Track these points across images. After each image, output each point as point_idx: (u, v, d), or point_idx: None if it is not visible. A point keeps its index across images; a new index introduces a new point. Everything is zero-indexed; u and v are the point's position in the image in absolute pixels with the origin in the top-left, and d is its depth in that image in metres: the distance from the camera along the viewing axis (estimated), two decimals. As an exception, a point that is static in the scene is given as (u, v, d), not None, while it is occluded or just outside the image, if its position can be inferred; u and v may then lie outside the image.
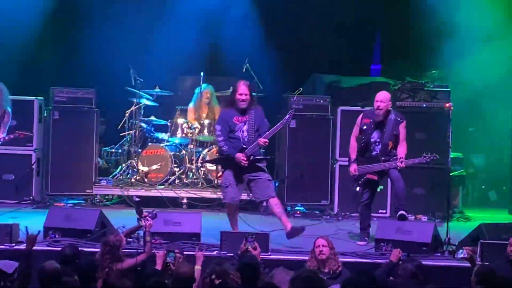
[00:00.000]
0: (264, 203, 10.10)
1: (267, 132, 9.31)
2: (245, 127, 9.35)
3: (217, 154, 10.29)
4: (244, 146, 9.30)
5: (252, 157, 9.28)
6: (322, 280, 6.57)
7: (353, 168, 9.49)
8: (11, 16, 12.99)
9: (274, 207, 9.36)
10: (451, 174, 11.45)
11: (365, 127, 9.53)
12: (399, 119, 9.54)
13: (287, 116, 9.41)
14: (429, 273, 7.48)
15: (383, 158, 9.44)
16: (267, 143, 9.32)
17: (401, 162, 9.29)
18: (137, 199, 8.90)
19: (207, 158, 12.05)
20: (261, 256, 7.92)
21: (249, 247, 7.87)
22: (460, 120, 11.82)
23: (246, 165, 9.24)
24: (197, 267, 7.57)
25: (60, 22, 13.39)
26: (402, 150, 9.43)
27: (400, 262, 7.69)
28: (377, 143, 9.50)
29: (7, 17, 12.93)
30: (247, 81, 9.59)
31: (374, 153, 9.49)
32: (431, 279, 7.33)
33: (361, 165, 9.50)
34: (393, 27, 13.21)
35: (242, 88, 9.39)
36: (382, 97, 9.51)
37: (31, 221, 9.90)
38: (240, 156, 9.24)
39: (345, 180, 10.96)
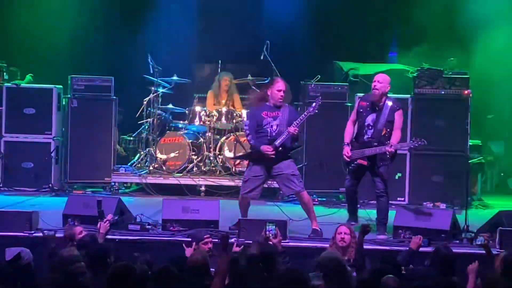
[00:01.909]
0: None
1: (294, 122, 9.21)
2: (275, 122, 9.24)
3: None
4: (272, 142, 9.20)
5: (280, 149, 9.23)
6: (345, 265, 6.59)
7: (346, 150, 9.31)
8: (30, 3, 13.10)
9: (301, 203, 9.36)
10: (469, 161, 11.40)
11: (361, 110, 9.39)
12: (395, 106, 9.36)
13: (314, 104, 9.31)
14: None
15: (375, 143, 9.29)
16: (297, 131, 9.18)
17: (390, 146, 9.14)
18: (99, 199, 8.87)
19: (226, 148, 12.09)
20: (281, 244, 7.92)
21: (270, 235, 7.87)
22: (479, 107, 11.77)
23: (273, 156, 9.21)
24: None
25: (78, 10, 13.41)
26: (394, 138, 9.24)
27: (435, 249, 7.50)
28: (369, 127, 9.33)
29: (24, 4, 13.04)
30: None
31: (366, 137, 9.32)
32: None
33: (354, 150, 9.39)
34: (412, 14, 13.13)
35: (281, 84, 9.29)
36: (380, 78, 9.38)
37: (50, 209, 10.01)
38: (265, 148, 9.19)
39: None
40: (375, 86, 9.37)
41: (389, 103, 9.36)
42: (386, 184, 9.36)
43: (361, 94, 11.17)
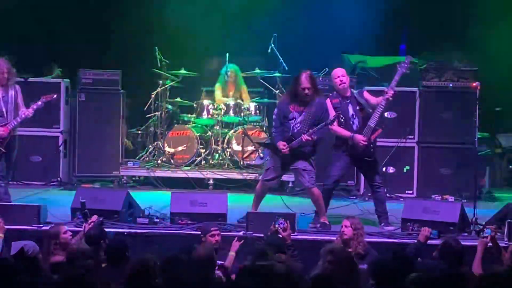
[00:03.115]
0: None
1: (311, 130, 9.11)
2: (299, 119, 9.21)
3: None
4: (292, 137, 9.20)
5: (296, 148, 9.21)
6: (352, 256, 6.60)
7: (360, 137, 9.26)
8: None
9: (311, 198, 9.36)
10: (478, 154, 11.37)
11: (337, 107, 9.36)
12: (356, 91, 9.57)
13: (332, 117, 9.22)
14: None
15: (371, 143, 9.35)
16: (309, 140, 9.09)
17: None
18: (82, 200, 8.85)
19: (234, 141, 12.11)
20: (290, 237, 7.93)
21: (279, 228, 7.87)
22: (487, 100, 11.72)
23: (286, 153, 9.20)
24: (232, 253, 7.59)
25: (86, 3, 13.42)
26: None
27: (443, 242, 7.49)
28: (354, 116, 9.35)
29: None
30: (309, 72, 9.32)
31: (354, 127, 9.37)
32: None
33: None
34: (422, 6, 13.09)
35: (304, 81, 9.18)
36: (342, 72, 9.41)
37: (59, 202, 10.03)
38: (280, 144, 9.20)
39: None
40: (341, 81, 9.37)
41: (354, 91, 9.52)
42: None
43: (369, 88, 11.19)
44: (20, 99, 9.91)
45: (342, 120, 9.34)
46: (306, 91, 9.15)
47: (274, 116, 9.48)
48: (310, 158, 9.36)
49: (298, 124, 9.20)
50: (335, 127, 9.33)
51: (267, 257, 6.44)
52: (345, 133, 9.35)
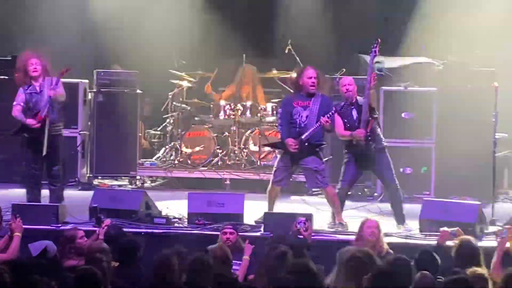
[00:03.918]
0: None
1: (327, 114, 9.13)
2: (304, 113, 9.24)
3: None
4: (300, 132, 9.22)
5: (306, 143, 9.22)
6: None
7: (358, 132, 9.20)
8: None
9: (326, 198, 9.38)
10: (496, 154, 11.31)
11: (341, 112, 9.32)
12: (363, 98, 9.33)
13: (341, 104, 9.32)
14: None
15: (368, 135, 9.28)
16: (329, 122, 9.11)
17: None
18: (94, 205, 8.87)
19: (251, 141, 12.12)
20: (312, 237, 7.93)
21: (301, 228, 7.87)
22: (506, 100, 11.65)
23: (295, 151, 9.20)
24: (246, 257, 7.60)
25: (103, 4, 13.45)
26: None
27: (460, 242, 7.46)
28: (358, 121, 9.30)
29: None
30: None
31: None
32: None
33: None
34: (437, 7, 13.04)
35: (310, 71, 9.27)
36: (349, 81, 9.43)
37: (77, 202, 10.07)
38: (289, 141, 9.20)
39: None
40: (347, 89, 9.35)
41: (360, 98, 9.37)
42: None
43: (386, 88, 11.16)
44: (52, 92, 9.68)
45: (348, 125, 9.34)
46: (313, 80, 9.20)
47: (278, 115, 9.50)
48: (320, 156, 9.37)
49: (305, 118, 9.23)
50: (338, 128, 9.31)
51: (287, 258, 6.44)
52: (346, 133, 9.35)
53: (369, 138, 9.24)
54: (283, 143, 9.30)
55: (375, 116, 9.34)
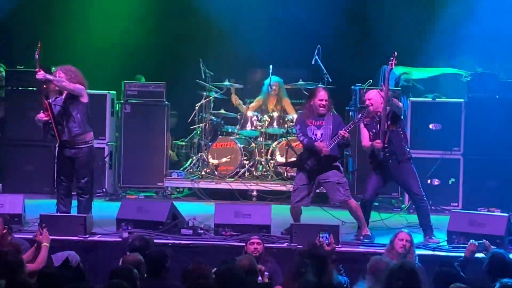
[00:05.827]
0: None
1: (344, 127, 9.24)
2: (319, 131, 9.31)
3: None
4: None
5: (324, 158, 9.21)
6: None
7: (376, 141, 9.22)
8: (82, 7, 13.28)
9: (349, 211, 9.37)
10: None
11: (368, 125, 9.41)
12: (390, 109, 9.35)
13: (360, 115, 9.41)
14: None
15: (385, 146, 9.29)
16: (347, 135, 9.20)
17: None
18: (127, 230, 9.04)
19: (277, 153, 12.12)
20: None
21: (324, 242, 7.85)
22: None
23: (327, 152, 9.19)
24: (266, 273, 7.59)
25: (128, 15, 13.56)
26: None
27: (491, 255, 7.39)
28: (377, 135, 9.33)
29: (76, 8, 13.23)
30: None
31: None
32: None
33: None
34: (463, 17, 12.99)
35: (322, 93, 9.41)
36: (372, 95, 9.45)
37: (104, 213, 10.12)
38: (320, 144, 9.22)
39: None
40: (370, 103, 9.39)
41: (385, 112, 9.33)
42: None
43: (414, 99, 11.11)
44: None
45: (373, 138, 9.35)
46: (324, 102, 9.30)
47: (297, 131, 9.49)
48: (341, 169, 9.39)
49: (320, 136, 9.29)
50: (363, 140, 9.40)
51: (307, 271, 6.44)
52: (368, 143, 9.38)
53: (386, 148, 9.22)
54: (304, 159, 9.32)
55: (392, 128, 9.32)
